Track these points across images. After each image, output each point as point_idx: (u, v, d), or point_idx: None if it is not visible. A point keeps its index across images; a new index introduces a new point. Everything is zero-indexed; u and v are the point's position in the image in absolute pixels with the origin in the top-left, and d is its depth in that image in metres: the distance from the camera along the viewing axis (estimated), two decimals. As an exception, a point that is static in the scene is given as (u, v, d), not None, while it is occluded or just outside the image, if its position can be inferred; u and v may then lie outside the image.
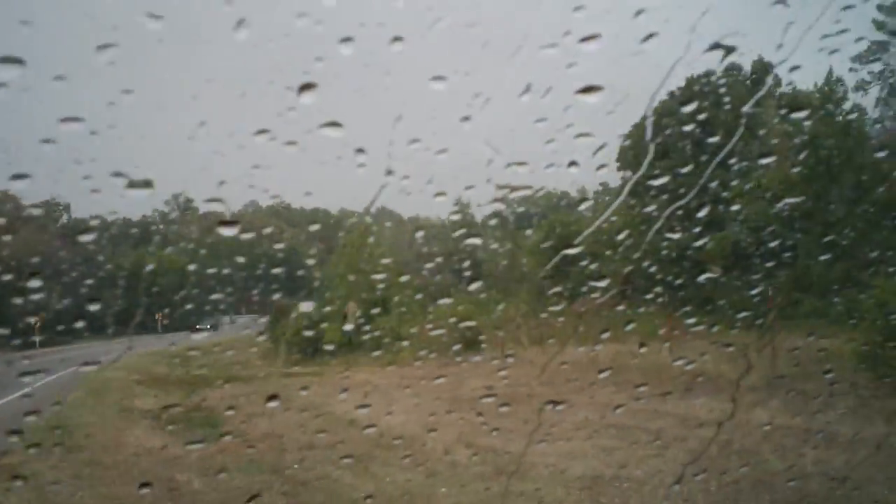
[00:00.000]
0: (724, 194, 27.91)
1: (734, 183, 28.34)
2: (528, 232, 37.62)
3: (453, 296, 23.30)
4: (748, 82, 36.22)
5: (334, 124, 4.94)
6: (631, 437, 13.83)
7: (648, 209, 16.68)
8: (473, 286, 25.90)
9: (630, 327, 16.54)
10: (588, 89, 4.97)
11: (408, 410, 13.77)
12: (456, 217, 45.37)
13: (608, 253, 22.10)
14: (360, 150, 5.50)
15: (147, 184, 5.26)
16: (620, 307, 20.42)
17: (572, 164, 5.99)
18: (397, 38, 5.41)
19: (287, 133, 5.38)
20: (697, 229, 26.86)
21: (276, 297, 33.19)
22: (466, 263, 29.12)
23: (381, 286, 22.59)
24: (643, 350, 16.86)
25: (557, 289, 25.08)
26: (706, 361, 17.88)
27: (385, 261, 23.42)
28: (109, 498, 10.48)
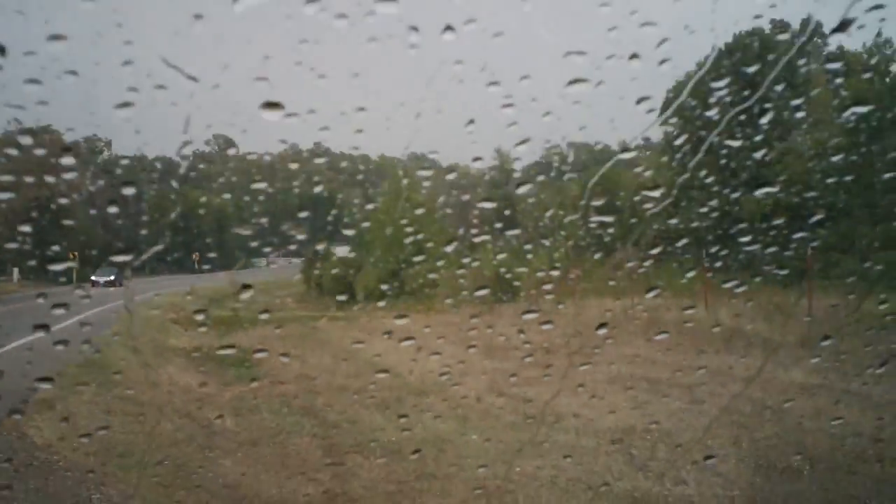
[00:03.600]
0: (765, 154, 27.37)
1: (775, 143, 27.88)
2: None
3: (489, 245, 23.18)
4: (794, 41, 35.32)
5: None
6: (663, 391, 13.67)
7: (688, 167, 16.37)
8: (509, 234, 25.82)
9: (665, 283, 16.23)
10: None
11: (440, 357, 13.68)
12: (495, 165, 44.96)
13: (645, 210, 21.82)
14: (414, 28, 5.12)
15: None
16: (656, 263, 20.17)
17: (634, 56, 5.63)
18: None
19: (338, 4, 4.98)
20: (737, 189, 26.43)
21: (312, 240, 33.28)
22: (503, 214, 28.99)
23: (417, 234, 22.50)
24: (680, 307, 16.63)
25: (594, 242, 24.96)
26: (742, 319, 17.65)
27: (421, 209, 23.13)
28: (142, 434, 10.60)
